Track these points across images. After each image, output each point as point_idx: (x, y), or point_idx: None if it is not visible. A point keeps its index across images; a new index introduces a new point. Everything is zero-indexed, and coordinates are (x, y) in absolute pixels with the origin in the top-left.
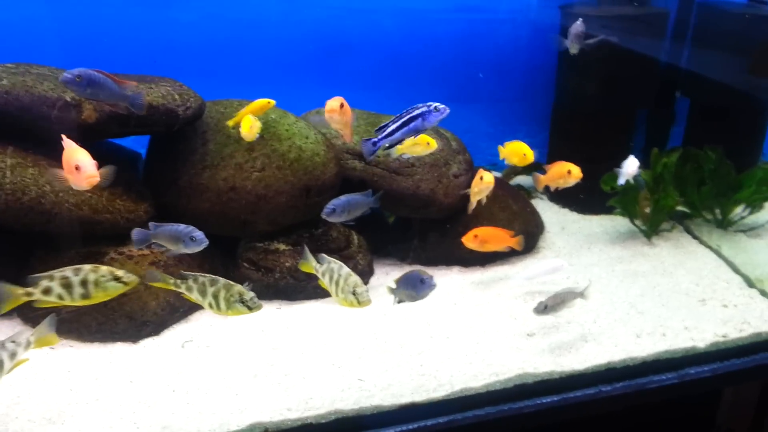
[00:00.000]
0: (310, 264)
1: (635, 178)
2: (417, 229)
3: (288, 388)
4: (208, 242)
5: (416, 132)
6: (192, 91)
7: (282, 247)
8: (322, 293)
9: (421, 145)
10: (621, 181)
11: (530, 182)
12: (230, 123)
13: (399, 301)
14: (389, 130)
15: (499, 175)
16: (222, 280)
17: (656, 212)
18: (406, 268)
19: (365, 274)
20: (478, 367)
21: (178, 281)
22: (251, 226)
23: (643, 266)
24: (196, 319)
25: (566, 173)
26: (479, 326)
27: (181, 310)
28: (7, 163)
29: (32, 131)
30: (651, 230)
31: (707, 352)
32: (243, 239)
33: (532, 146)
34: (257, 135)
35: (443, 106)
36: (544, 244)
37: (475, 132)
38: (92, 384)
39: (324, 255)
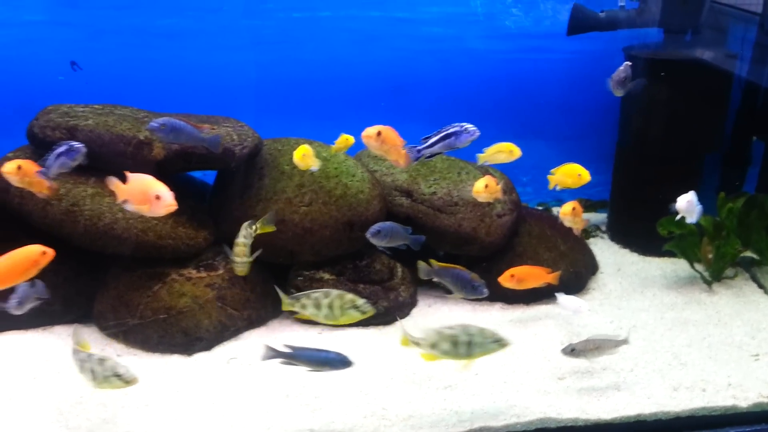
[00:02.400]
0: None
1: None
2: (464, 265)
3: (315, 410)
4: None
5: (450, 147)
6: (251, 130)
7: (326, 276)
8: (363, 321)
9: (504, 153)
10: (689, 219)
11: (593, 221)
12: (332, 150)
13: (436, 282)
14: (430, 141)
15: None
16: (334, 291)
17: (717, 259)
18: (450, 302)
19: (407, 306)
20: (501, 407)
21: (293, 301)
22: (298, 255)
23: (696, 314)
24: (245, 339)
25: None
26: (510, 365)
27: (231, 329)
28: (88, 192)
29: (111, 165)
30: (712, 277)
31: (749, 413)
32: (293, 267)
33: (598, 184)
34: (312, 168)
35: (474, 127)
36: (594, 285)
37: (541, 168)
38: (145, 391)
39: None
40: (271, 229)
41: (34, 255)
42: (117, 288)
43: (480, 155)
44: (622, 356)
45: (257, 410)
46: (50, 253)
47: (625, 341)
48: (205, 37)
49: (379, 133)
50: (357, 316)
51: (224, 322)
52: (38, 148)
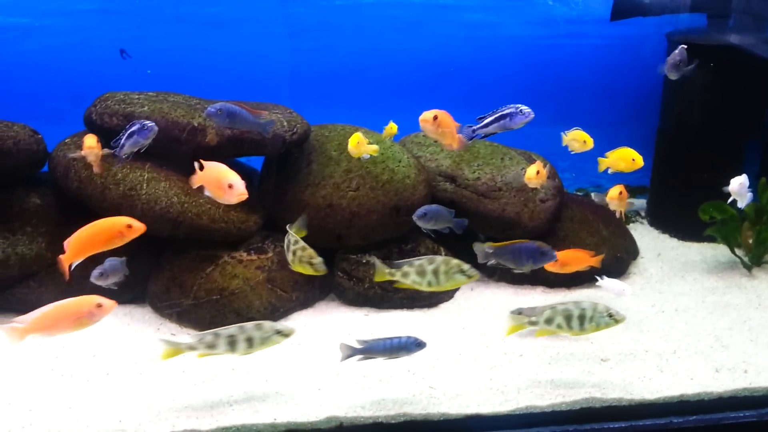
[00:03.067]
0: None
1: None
2: None
3: (365, 388)
4: None
5: (504, 128)
6: (300, 117)
7: (372, 260)
8: (408, 304)
9: (578, 142)
10: (740, 203)
11: (632, 206)
12: (383, 136)
13: (491, 264)
14: (486, 122)
15: (599, 196)
16: (439, 258)
17: (758, 244)
18: (492, 285)
19: (451, 290)
20: (546, 387)
21: (393, 270)
22: (345, 239)
23: (737, 298)
24: (295, 319)
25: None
26: (554, 347)
27: (281, 310)
28: (144, 177)
29: (165, 151)
30: (752, 262)
31: None
32: (339, 250)
33: (638, 170)
34: (367, 156)
35: (528, 109)
36: (635, 269)
37: (581, 155)
38: (201, 368)
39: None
40: (303, 233)
41: (120, 226)
42: (171, 270)
43: (564, 136)
44: (665, 339)
45: (309, 388)
46: (137, 227)
47: None
48: (250, 25)
49: (435, 117)
50: (463, 280)
51: (274, 303)
52: (95, 133)
